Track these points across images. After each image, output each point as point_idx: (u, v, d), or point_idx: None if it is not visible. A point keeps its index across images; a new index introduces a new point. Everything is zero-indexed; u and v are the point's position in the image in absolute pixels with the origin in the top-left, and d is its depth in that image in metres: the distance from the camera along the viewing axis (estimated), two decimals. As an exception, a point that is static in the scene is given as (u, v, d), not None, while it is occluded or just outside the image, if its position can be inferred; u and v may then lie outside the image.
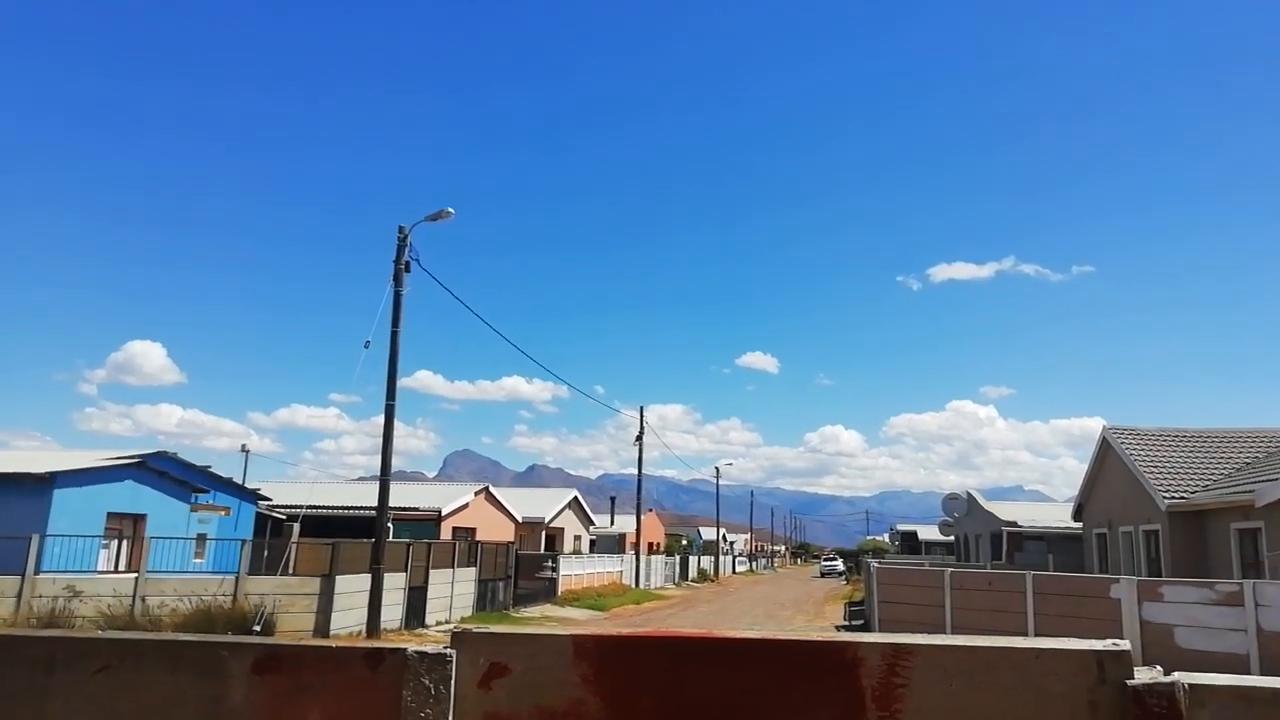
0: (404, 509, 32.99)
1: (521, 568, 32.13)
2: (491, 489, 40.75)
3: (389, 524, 23.17)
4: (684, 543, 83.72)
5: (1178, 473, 22.93)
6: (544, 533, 46.45)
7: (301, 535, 27.95)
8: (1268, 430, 25.15)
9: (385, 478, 21.72)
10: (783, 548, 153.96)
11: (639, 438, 46.04)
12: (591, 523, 56.29)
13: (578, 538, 52.81)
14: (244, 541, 21.61)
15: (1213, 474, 22.67)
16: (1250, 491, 18.33)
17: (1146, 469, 23.30)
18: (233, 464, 54.10)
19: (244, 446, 52.25)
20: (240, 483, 33.49)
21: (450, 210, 21.61)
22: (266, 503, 33.34)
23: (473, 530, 36.04)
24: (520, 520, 42.83)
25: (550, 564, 35.35)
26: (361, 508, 32.70)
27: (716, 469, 75.83)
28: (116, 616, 17.67)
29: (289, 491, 36.97)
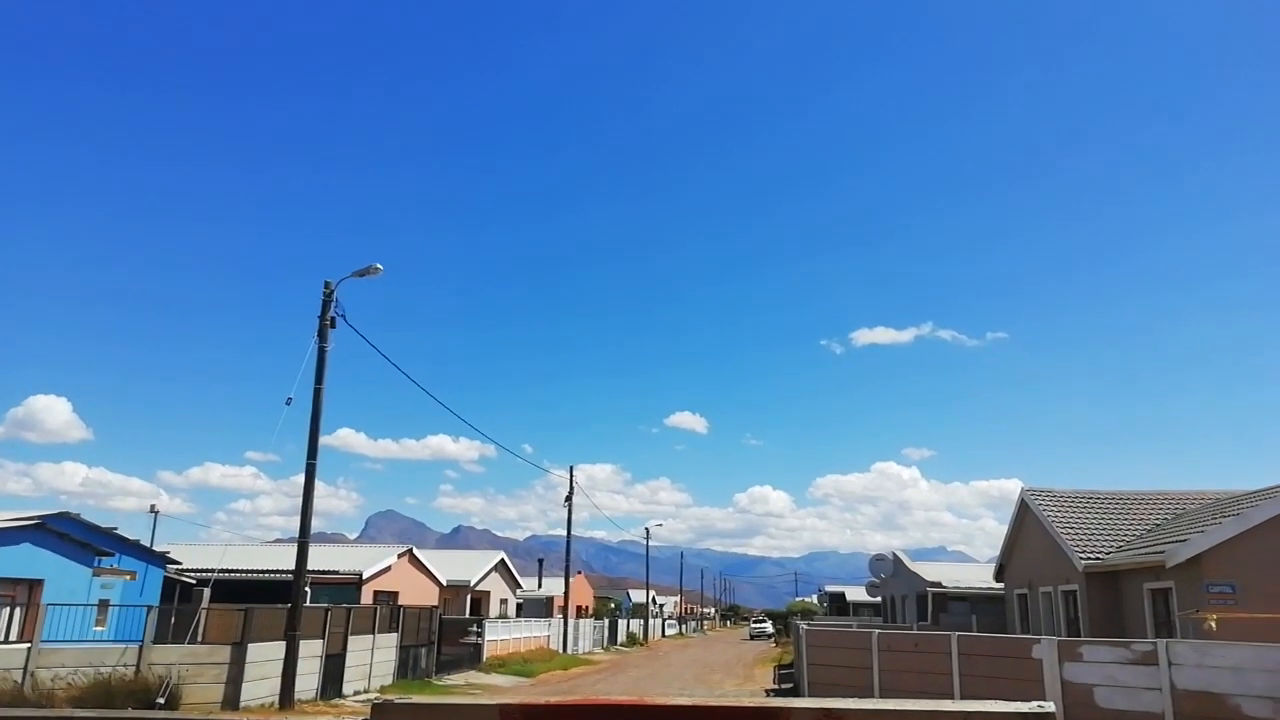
0: (323, 572, 31.86)
1: (445, 633, 31.17)
2: (415, 551, 39.66)
3: (307, 588, 22.33)
4: (613, 606, 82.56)
5: (1093, 534, 23.60)
6: (469, 596, 45.29)
7: (212, 600, 26.71)
8: (1175, 493, 26.12)
9: (304, 539, 20.98)
10: (712, 610, 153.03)
11: (568, 498, 45.55)
12: (519, 586, 55.12)
13: (504, 601, 51.61)
14: (150, 608, 20.49)
15: (1126, 535, 23.39)
16: (1161, 552, 18.93)
17: (1063, 530, 23.92)
18: (141, 525, 51.69)
19: (153, 507, 49.93)
20: (148, 545, 31.90)
21: (379, 266, 21.39)
22: (176, 566, 31.82)
23: (395, 594, 34.92)
24: (445, 583, 41.71)
25: (475, 629, 34.42)
26: (278, 571, 31.46)
27: (646, 530, 75.33)
28: (2, 692, 16.48)
29: (200, 554, 35.41)
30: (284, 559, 30.85)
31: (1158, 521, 23.95)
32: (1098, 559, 22.05)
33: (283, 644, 19.51)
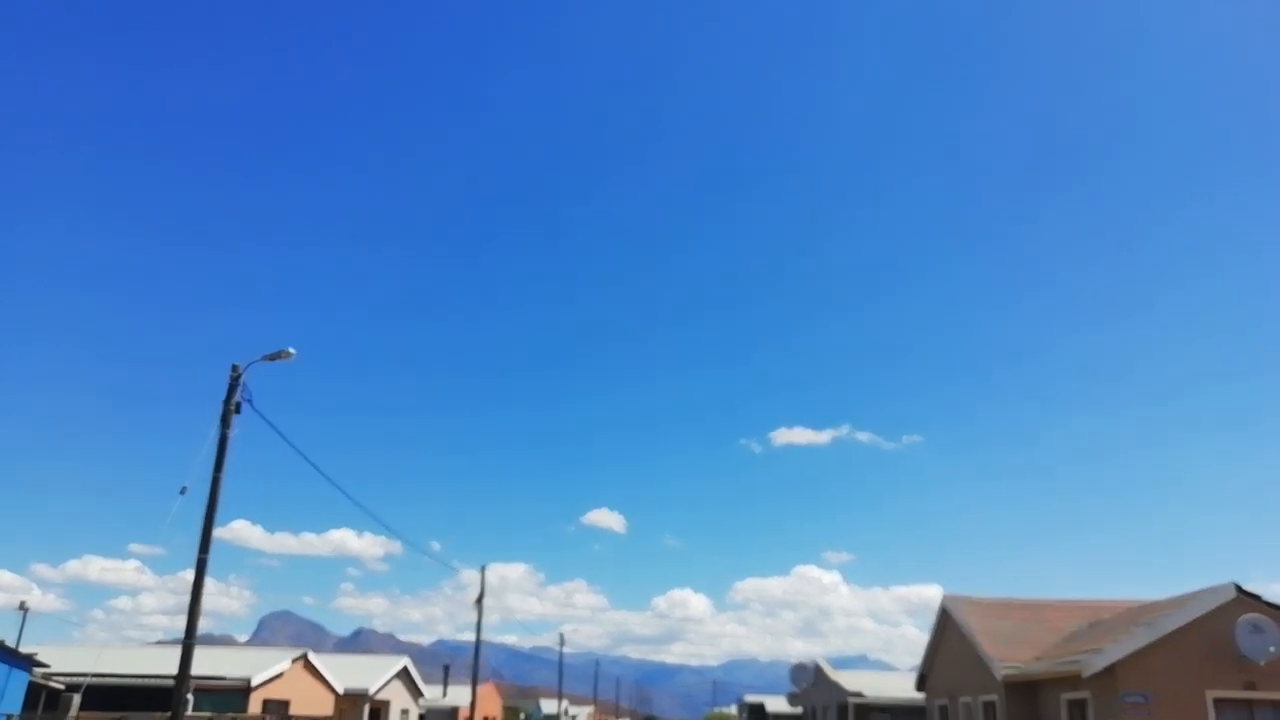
0: (208, 678, 29.51)
1: (340, 746, 29.02)
2: (311, 656, 37.21)
3: (189, 695, 20.51)
4: (523, 716, 78.82)
5: (1012, 643, 23.50)
6: (368, 706, 42.59)
7: (83, 708, 24.33)
8: (1091, 601, 26.37)
9: (190, 641, 19.32)
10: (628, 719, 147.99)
11: (479, 599, 43.69)
12: (421, 694, 52.18)
13: (405, 711, 48.68)
14: (9, 717, 18.47)
15: (1043, 644, 23.36)
16: (1077, 662, 18.88)
17: (983, 638, 23.78)
18: (8, 624, 47.65)
19: (23, 604, 46.11)
20: (14, 646, 29.19)
21: (291, 350, 20.55)
22: (43, 670, 29.05)
23: (286, 703, 32.52)
24: (342, 692, 39.14)
25: (373, 742, 32.17)
26: (158, 676, 29.05)
27: (560, 636, 72.88)
28: None
29: (73, 657, 32.51)
30: (166, 662, 28.51)
31: (1074, 630, 24.04)
32: (1017, 668, 21.90)
33: (154, 759, 17.73)
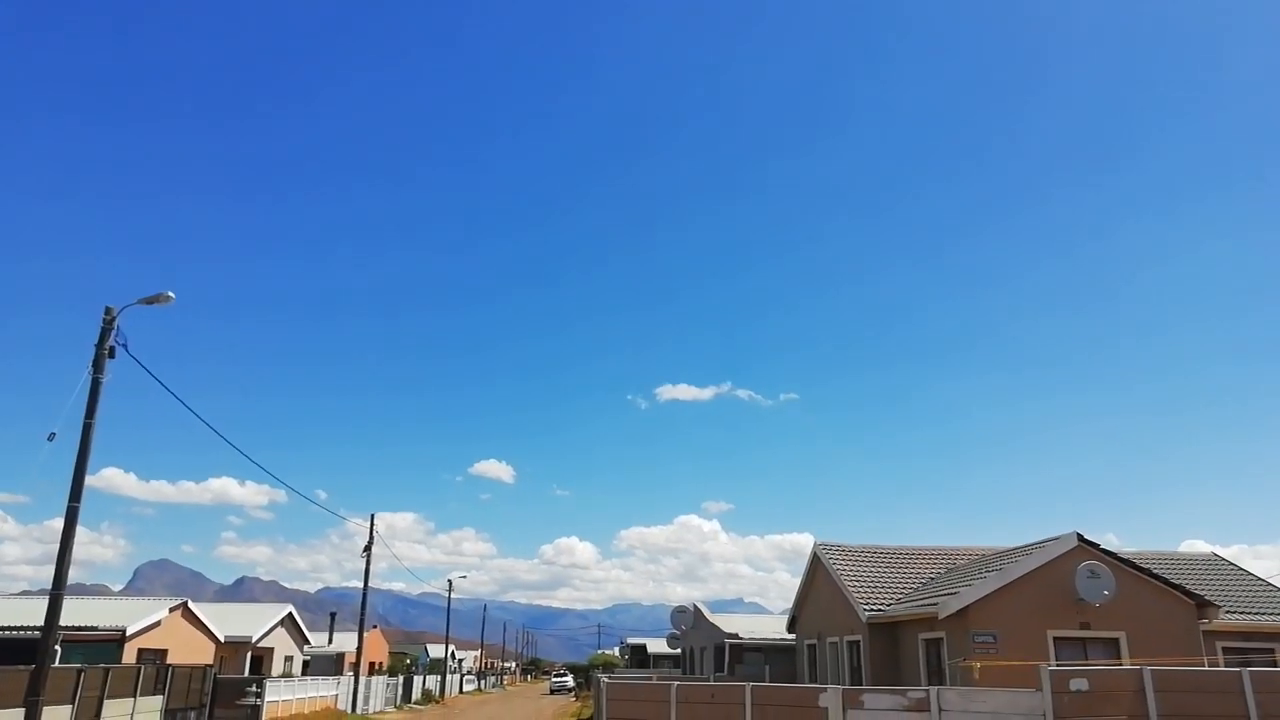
0: (78, 628, 28.58)
1: (220, 694, 28.71)
2: (191, 605, 36.36)
3: (57, 647, 19.94)
4: (409, 661, 78.93)
5: (877, 587, 25.10)
6: (250, 654, 41.97)
7: (-63, 662, 23.28)
8: (949, 548, 28.29)
9: (58, 591, 18.72)
10: (513, 664, 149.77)
11: (367, 548, 43.38)
12: (307, 641, 51.65)
13: (289, 658, 48.17)
14: None
15: (905, 588, 25.04)
16: (934, 605, 20.39)
17: (851, 583, 25.30)
18: None
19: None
20: None
21: (170, 294, 19.81)
22: (-106, 623, 27.60)
23: (164, 652, 31.80)
24: (223, 640, 38.45)
25: (255, 689, 31.85)
26: (23, 628, 27.92)
27: (449, 582, 72.98)
28: None
29: (-74, 608, 30.90)
30: (32, 614, 27.42)
31: (933, 575, 25.82)
32: (880, 611, 23.44)
33: (22, 711, 17.22)
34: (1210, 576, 26.16)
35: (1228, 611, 22.10)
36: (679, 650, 45.35)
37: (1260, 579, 27.34)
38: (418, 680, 60.97)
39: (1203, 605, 19.99)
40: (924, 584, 25.08)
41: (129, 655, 29.61)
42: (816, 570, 29.16)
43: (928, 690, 16.56)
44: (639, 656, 67.05)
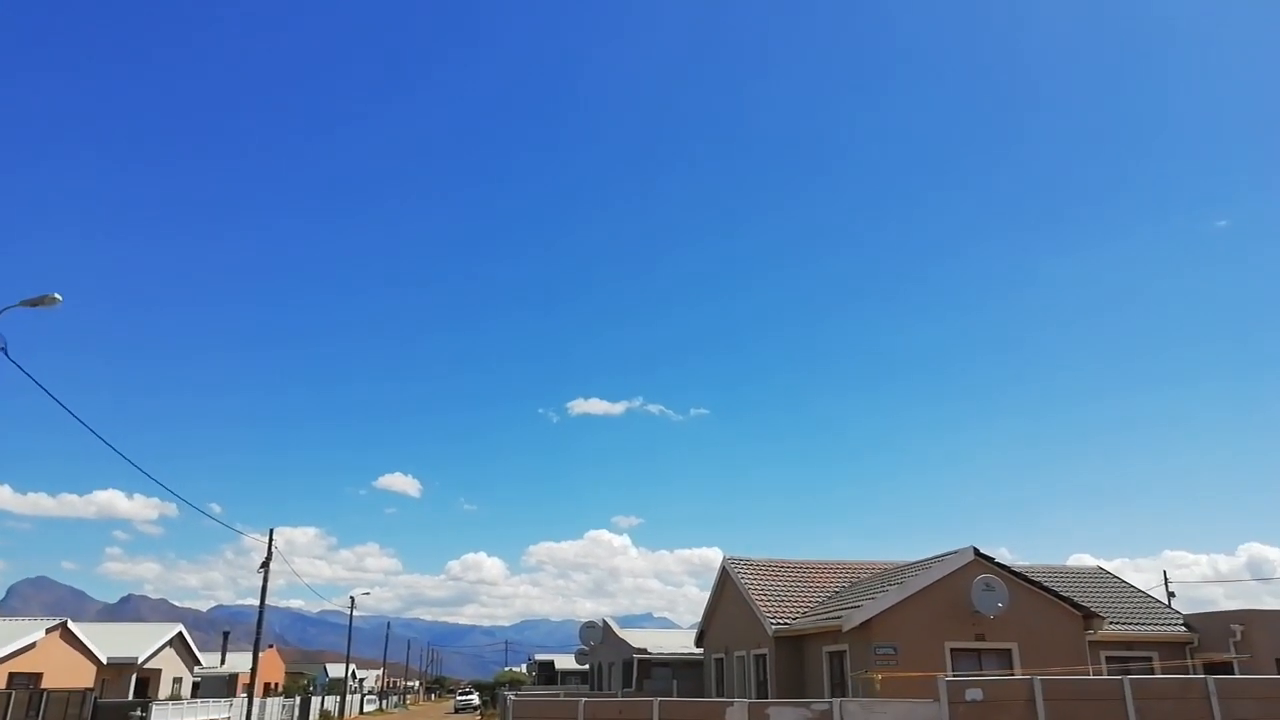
0: (-57, 651, 26.71)
1: (101, 719, 27.16)
2: (70, 625, 34.36)
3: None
4: (306, 682, 76.31)
5: (783, 600, 25.47)
6: (135, 675, 39.91)
7: None
8: (853, 563, 28.92)
9: (-79, 612, 17.44)
10: (417, 683, 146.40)
11: (265, 563, 41.81)
12: (198, 662, 49.42)
13: (178, 680, 46.01)
14: None
15: (810, 601, 25.47)
16: (838, 618, 20.79)
17: (758, 597, 25.60)
18: None
19: None
20: None
21: (57, 296, 18.79)
22: None
23: (38, 676, 29.96)
24: (106, 662, 36.46)
25: (139, 713, 30.31)
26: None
27: (351, 599, 70.82)
28: None
29: None
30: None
31: (837, 589, 26.34)
32: (786, 624, 23.78)
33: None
34: (1095, 589, 27.42)
35: (1111, 622, 23.18)
36: (587, 666, 45.11)
37: (1141, 591, 28.83)
38: (315, 701, 59.01)
39: (1089, 616, 20.92)
40: (829, 598, 25.56)
41: None
42: (725, 584, 29.41)
43: (831, 702, 16.85)
44: (547, 673, 66.33)
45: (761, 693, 24.07)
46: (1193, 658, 23.99)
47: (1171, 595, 40.96)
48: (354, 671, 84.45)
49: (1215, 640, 24.08)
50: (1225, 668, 22.59)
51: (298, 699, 54.57)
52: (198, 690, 49.86)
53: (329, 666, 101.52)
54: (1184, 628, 25.23)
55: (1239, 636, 23.49)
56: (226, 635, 60.88)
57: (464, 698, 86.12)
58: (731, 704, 17.70)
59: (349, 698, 67.83)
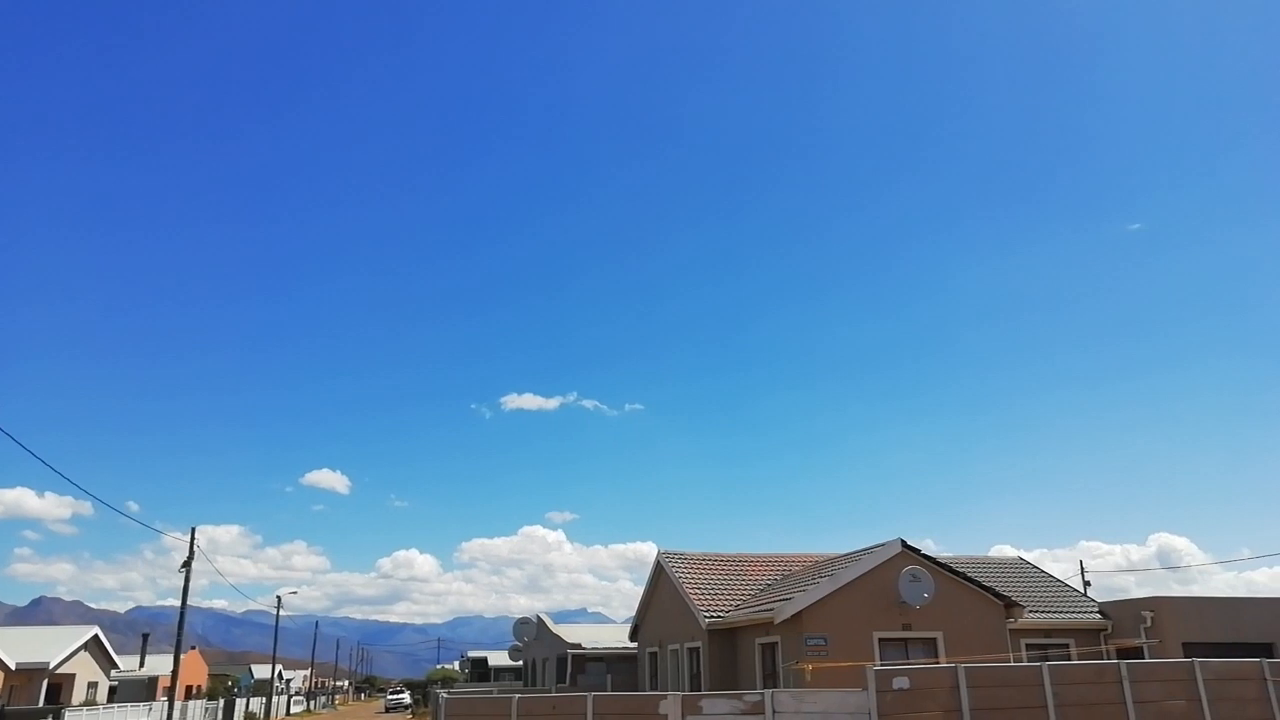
0: None
1: (9, 728, 26.01)
2: (-23, 629, 32.87)
3: None
4: (230, 684, 74.30)
5: (717, 594, 25.69)
6: (47, 681, 38.36)
7: None
8: (785, 555, 29.32)
9: None
10: (346, 683, 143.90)
11: (186, 563, 40.55)
12: (115, 666, 47.70)
13: (93, 685, 44.37)
14: None
15: (744, 594, 25.75)
16: (770, 610, 21.06)
17: (692, 590, 25.78)
18: None
19: None
20: None
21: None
22: None
23: (-58, 683, 28.60)
24: (14, 667, 34.95)
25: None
26: None
27: (278, 598, 69.22)
28: None
29: None
30: None
31: (770, 582, 26.68)
32: (719, 617, 24.00)
33: None
34: (1016, 579, 28.32)
35: (1031, 611, 23.99)
36: (521, 663, 44.86)
37: (1058, 580, 29.90)
38: (240, 703, 57.52)
39: (1010, 605, 21.59)
40: (761, 590, 25.87)
41: (-101, 688, 26.45)
42: (659, 578, 29.54)
43: (763, 693, 17.04)
44: (480, 670, 65.79)
45: (695, 686, 24.25)
46: (1107, 643, 24.96)
47: (1087, 584, 42.58)
48: (280, 672, 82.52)
49: (1127, 626, 25.11)
50: (1136, 652, 23.59)
51: (221, 702, 53.10)
52: (115, 695, 48.15)
53: (255, 668, 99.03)
54: (1099, 615, 26.25)
55: (1149, 622, 24.54)
56: (146, 637, 58.93)
57: (395, 696, 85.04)
58: (665, 697, 17.78)
59: (275, 699, 66.27)
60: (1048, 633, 24.94)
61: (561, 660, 36.32)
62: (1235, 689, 18.24)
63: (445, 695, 24.59)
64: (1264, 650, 22.70)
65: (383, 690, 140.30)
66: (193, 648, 65.94)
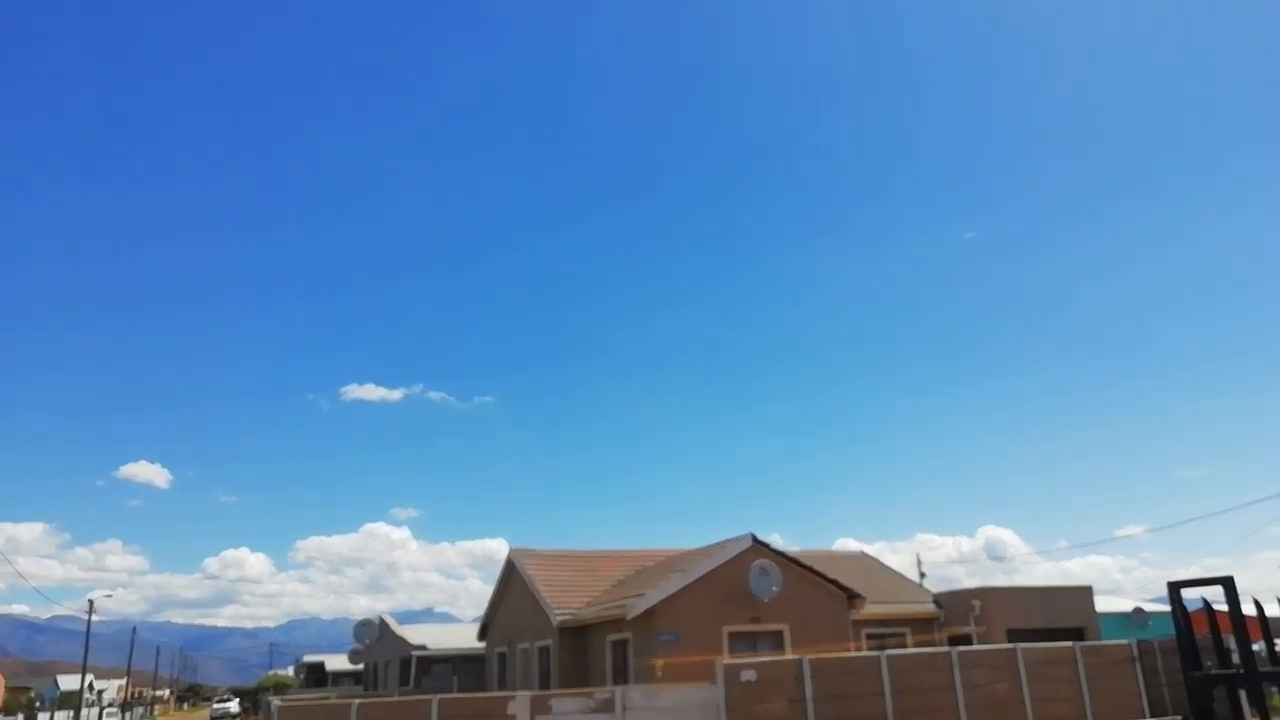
0: None
1: None
2: None
3: None
4: (31, 696, 68.05)
5: (569, 591, 25.41)
6: None
7: None
8: (638, 551, 29.36)
9: None
10: (168, 691, 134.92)
11: (-18, 566, 36.64)
12: (-109, 681, 42.62)
13: None
14: None
15: (596, 591, 25.57)
16: (622, 606, 20.97)
17: (544, 587, 25.39)
18: None
19: None
20: None
21: None
22: None
23: None
24: None
25: None
26: None
27: (90, 602, 63.84)
28: None
29: None
30: None
31: (623, 578, 26.63)
32: (571, 614, 23.72)
33: None
34: (858, 571, 29.46)
35: (871, 602, 24.96)
36: (362, 666, 43.14)
37: (896, 572, 31.42)
38: (43, 718, 52.72)
39: (852, 597, 22.40)
40: (614, 586, 25.78)
41: None
42: (511, 576, 28.98)
43: (613, 690, 16.92)
44: (316, 675, 62.91)
45: (545, 684, 23.88)
46: (939, 631, 26.37)
47: (923, 575, 45.05)
48: (92, 683, 76.29)
49: (958, 615, 26.61)
50: (966, 639, 25.02)
51: (20, 716, 48.49)
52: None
53: (61, 679, 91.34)
54: (933, 604, 27.72)
55: (978, 611, 26.10)
56: (-70, 649, 52.97)
57: (221, 705, 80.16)
58: (513, 697, 17.35)
59: (85, 711, 61.10)
60: (886, 622, 26.09)
61: (405, 663, 35.11)
62: (1051, 671, 19.77)
63: (279, 702, 23.18)
64: (1076, 634, 24.58)
65: (209, 699, 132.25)
66: (-12, 659, 59.95)
